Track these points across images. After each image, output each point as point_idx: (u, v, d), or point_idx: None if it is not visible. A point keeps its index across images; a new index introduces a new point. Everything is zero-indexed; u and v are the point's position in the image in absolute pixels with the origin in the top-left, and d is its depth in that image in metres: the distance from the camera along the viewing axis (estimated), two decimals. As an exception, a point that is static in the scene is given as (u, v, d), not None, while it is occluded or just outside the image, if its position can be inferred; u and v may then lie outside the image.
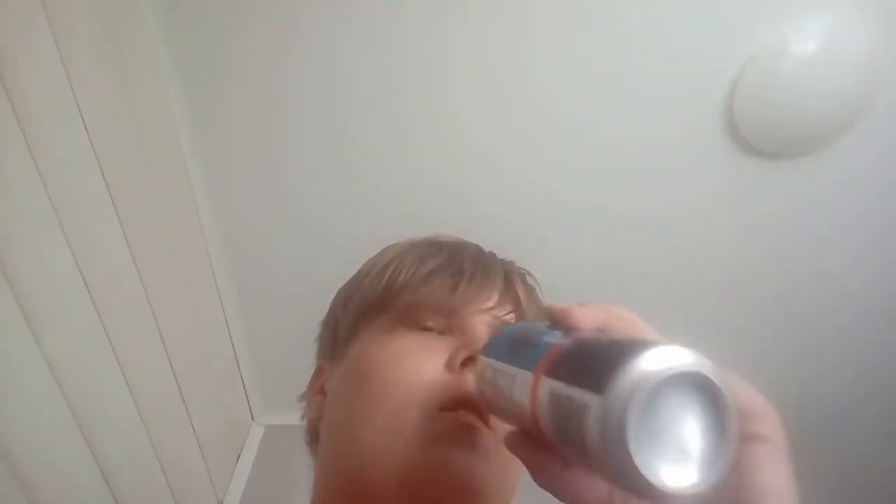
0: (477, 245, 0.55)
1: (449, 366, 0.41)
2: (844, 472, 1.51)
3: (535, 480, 0.28)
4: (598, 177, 1.16)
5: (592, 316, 0.28)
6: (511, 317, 0.46)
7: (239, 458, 1.47)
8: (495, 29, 1.01)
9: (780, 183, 1.14)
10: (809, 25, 0.97)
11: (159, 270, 1.03)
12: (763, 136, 1.07)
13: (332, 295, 1.38)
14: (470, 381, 0.38)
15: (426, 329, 0.44)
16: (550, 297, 1.42)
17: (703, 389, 0.22)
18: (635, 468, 0.21)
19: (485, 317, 0.45)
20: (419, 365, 0.41)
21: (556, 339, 0.28)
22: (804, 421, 1.57)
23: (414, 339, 0.43)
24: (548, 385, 0.26)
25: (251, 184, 1.20)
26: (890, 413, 1.42)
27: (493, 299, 0.46)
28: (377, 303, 0.47)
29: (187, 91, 1.08)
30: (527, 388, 0.27)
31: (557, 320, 0.29)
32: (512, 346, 0.31)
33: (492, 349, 0.34)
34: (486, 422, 0.39)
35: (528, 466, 0.28)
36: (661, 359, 0.22)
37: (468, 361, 0.40)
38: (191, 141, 1.13)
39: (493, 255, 0.54)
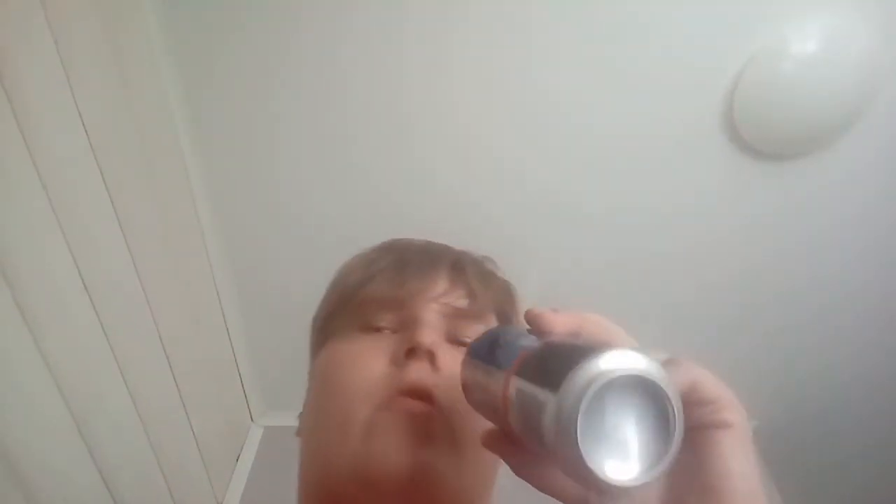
0: (426, 240, 0.56)
1: (393, 360, 0.41)
2: (843, 471, 1.51)
3: (516, 474, 0.29)
4: (597, 177, 1.16)
5: (564, 321, 0.30)
6: (464, 302, 0.46)
7: (238, 459, 1.47)
8: (495, 29, 1.01)
9: (779, 183, 1.14)
10: (809, 26, 0.97)
11: (159, 271, 1.03)
12: (763, 137, 1.07)
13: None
14: (414, 370, 0.39)
15: (378, 329, 0.45)
16: (550, 296, 1.41)
17: (652, 391, 0.24)
18: (583, 462, 0.22)
19: (434, 305, 0.44)
20: (366, 364, 0.42)
21: (529, 342, 0.30)
22: (803, 420, 1.58)
23: (365, 340, 0.44)
24: (516, 383, 0.28)
25: (251, 184, 1.19)
26: (890, 412, 1.42)
27: (442, 286, 0.46)
28: (334, 312, 0.48)
29: (187, 91, 1.08)
30: (499, 385, 0.29)
31: (532, 325, 0.30)
32: (491, 348, 0.33)
33: (475, 350, 0.35)
34: (434, 405, 0.39)
35: (506, 462, 0.29)
36: (613, 362, 0.23)
37: (411, 353, 0.40)
38: (190, 141, 1.12)
39: (444, 245, 0.54)
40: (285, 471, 0.55)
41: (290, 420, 0.62)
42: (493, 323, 0.47)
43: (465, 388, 0.35)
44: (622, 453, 0.23)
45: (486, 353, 0.33)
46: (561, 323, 0.29)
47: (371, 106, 1.09)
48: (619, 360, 0.23)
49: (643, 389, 0.23)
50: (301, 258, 1.30)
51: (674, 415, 0.24)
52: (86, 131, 0.83)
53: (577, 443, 0.22)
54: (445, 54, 1.03)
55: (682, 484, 0.25)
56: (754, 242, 1.23)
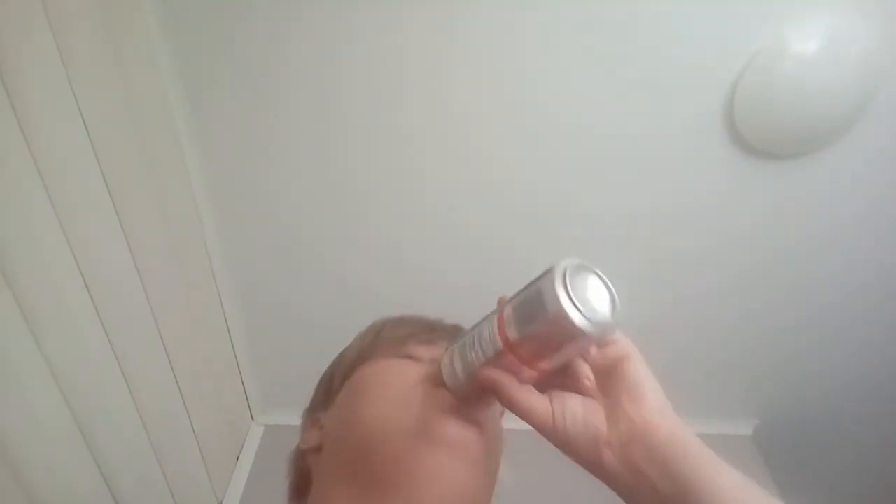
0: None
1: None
2: (843, 471, 1.51)
3: (500, 400, 0.39)
4: (598, 177, 1.16)
5: None
6: None
7: (238, 457, 1.47)
8: (494, 31, 1.01)
9: (780, 183, 1.14)
10: (810, 26, 0.97)
11: (159, 270, 1.03)
12: (763, 137, 1.07)
13: (331, 296, 1.39)
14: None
15: (409, 357, 0.50)
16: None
17: (599, 280, 0.38)
18: (564, 312, 0.34)
19: None
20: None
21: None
22: (803, 420, 1.58)
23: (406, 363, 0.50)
24: (509, 305, 0.38)
25: (251, 184, 1.20)
26: (890, 413, 1.42)
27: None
28: (367, 348, 0.53)
29: (187, 91, 1.08)
30: (493, 320, 0.39)
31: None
32: (470, 328, 0.42)
33: (454, 341, 0.43)
34: None
35: (495, 387, 0.38)
36: (572, 261, 0.37)
37: None
38: (191, 140, 1.13)
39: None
40: (285, 469, 0.56)
41: (291, 419, 0.62)
42: None
43: (448, 370, 0.42)
44: (585, 310, 0.34)
45: (466, 331, 0.43)
46: None
47: (371, 107, 1.09)
48: (575, 261, 0.37)
49: (593, 280, 0.37)
50: (301, 259, 1.30)
51: (611, 291, 0.38)
52: (87, 131, 0.83)
53: (559, 299, 0.34)
54: (445, 56, 1.03)
55: (616, 391, 0.38)
56: (754, 241, 1.23)
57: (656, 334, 1.44)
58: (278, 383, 1.50)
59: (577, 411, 0.38)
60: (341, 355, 0.56)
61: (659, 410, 0.36)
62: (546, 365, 0.38)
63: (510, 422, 0.46)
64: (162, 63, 1.03)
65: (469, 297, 1.41)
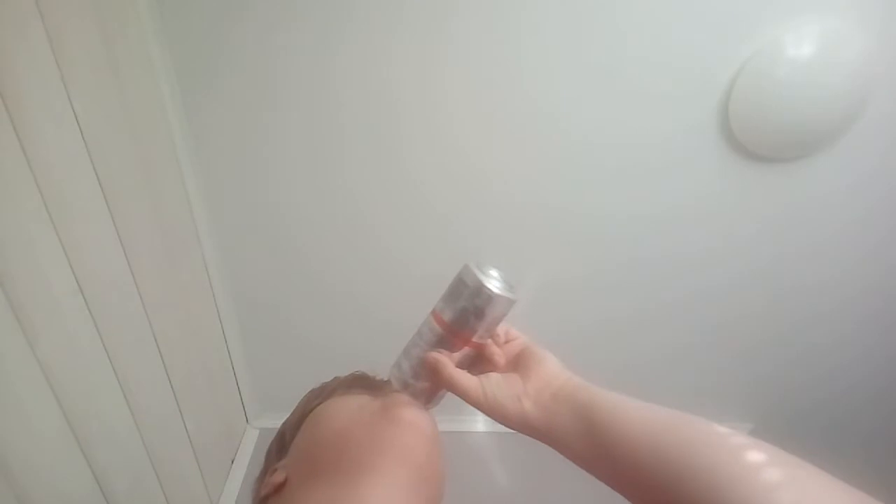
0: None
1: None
2: (840, 474, 1.51)
3: (440, 380, 0.47)
4: (594, 183, 1.17)
5: None
6: None
7: (233, 461, 1.46)
8: (488, 37, 1.01)
9: (776, 187, 1.15)
10: (805, 30, 0.97)
11: (154, 273, 1.03)
12: (759, 141, 1.08)
13: (326, 300, 1.39)
14: None
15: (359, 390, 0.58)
16: (548, 301, 1.43)
17: (499, 271, 0.49)
18: (485, 287, 0.47)
19: None
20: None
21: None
22: (801, 424, 1.59)
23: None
24: (440, 301, 0.49)
25: (246, 187, 1.19)
26: (887, 417, 1.42)
27: None
28: (315, 400, 0.59)
29: (183, 94, 1.08)
30: (430, 317, 0.49)
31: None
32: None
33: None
34: None
35: (437, 366, 0.47)
36: (479, 260, 0.50)
37: None
38: (186, 143, 1.12)
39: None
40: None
41: (285, 423, 0.62)
42: None
43: (405, 358, 0.51)
44: (497, 284, 0.48)
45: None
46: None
47: (366, 109, 1.09)
48: (481, 260, 0.49)
49: (495, 270, 0.49)
50: (296, 262, 1.30)
51: (509, 279, 0.49)
52: (81, 133, 0.83)
53: (481, 280, 0.47)
54: (439, 61, 1.04)
55: (525, 365, 0.48)
56: (750, 245, 1.23)
57: (653, 337, 1.45)
58: (273, 387, 1.50)
59: (500, 381, 0.47)
60: (286, 421, 0.61)
61: (559, 368, 0.48)
62: (475, 337, 0.48)
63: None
64: (158, 66, 1.03)
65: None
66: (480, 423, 1.44)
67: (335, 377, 0.63)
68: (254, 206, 1.22)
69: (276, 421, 1.66)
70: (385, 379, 0.59)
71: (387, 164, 1.15)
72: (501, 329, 0.51)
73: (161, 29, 1.01)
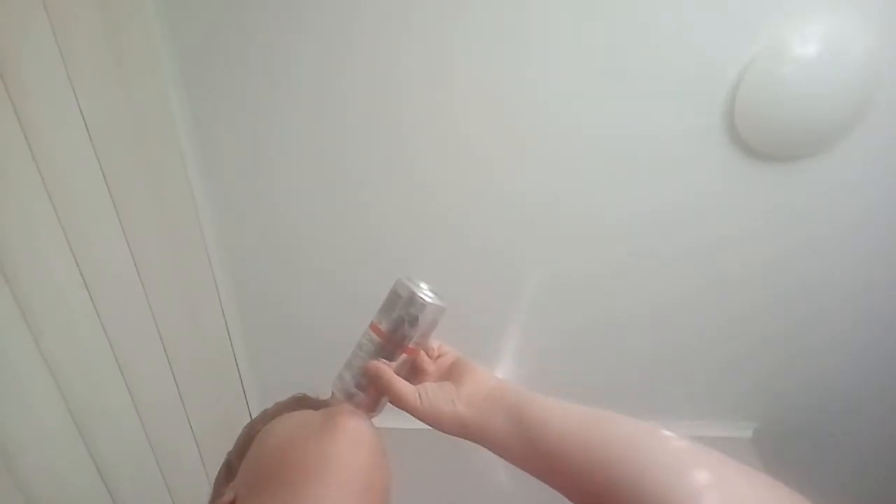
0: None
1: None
2: (843, 474, 1.51)
3: (380, 387, 0.51)
4: (598, 181, 1.16)
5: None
6: None
7: (237, 456, 1.47)
8: (494, 35, 1.01)
9: (780, 185, 1.14)
10: (809, 28, 0.97)
11: (158, 269, 1.03)
12: (763, 139, 1.07)
13: (330, 296, 1.39)
14: None
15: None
16: (551, 299, 1.42)
17: (428, 284, 0.53)
18: (417, 295, 0.51)
19: None
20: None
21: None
22: (802, 423, 1.58)
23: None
24: (377, 314, 0.53)
25: (250, 183, 1.20)
26: (890, 417, 1.42)
27: None
28: (257, 425, 0.61)
29: (188, 92, 1.08)
30: (368, 330, 0.53)
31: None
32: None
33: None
34: None
35: (377, 373, 0.51)
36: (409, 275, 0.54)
37: None
38: (191, 140, 1.13)
39: None
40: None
41: (289, 418, 0.63)
42: None
43: (346, 370, 0.53)
44: (427, 294, 0.52)
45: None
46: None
47: (370, 107, 1.09)
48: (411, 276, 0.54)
49: (424, 283, 0.53)
50: (299, 258, 1.30)
51: (438, 294, 0.53)
52: (87, 129, 0.83)
53: (412, 289, 0.51)
54: (445, 58, 1.03)
55: (457, 374, 0.51)
56: (754, 244, 1.23)
57: (656, 336, 1.45)
58: (276, 380, 1.50)
59: (435, 387, 0.50)
60: (231, 451, 0.63)
61: (489, 375, 0.51)
62: (411, 343, 0.52)
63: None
64: (163, 64, 1.03)
65: (468, 296, 1.42)
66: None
67: (275, 402, 0.65)
68: (257, 201, 1.22)
69: (278, 417, 1.64)
70: (326, 397, 0.61)
71: (391, 163, 1.15)
72: (435, 344, 0.55)
73: (166, 23, 1.01)
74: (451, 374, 0.52)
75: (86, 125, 0.83)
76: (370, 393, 0.52)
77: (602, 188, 1.17)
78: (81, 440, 0.85)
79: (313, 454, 0.47)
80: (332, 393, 0.54)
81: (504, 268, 1.29)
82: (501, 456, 0.46)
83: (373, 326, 0.52)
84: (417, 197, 1.19)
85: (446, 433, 0.48)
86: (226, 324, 1.38)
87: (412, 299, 0.51)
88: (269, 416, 0.59)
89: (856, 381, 1.40)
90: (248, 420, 0.64)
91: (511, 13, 0.99)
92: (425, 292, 0.51)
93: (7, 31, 0.68)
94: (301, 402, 0.60)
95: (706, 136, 1.09)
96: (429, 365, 0.54)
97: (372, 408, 0.53)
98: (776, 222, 1.19)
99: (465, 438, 0.48)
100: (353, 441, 0.49)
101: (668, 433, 0.40)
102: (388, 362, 0.51)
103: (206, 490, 1.29)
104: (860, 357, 1.37)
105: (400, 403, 0.49)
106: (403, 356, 0.52)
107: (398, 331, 0.51)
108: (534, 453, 0.44)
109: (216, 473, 0.61)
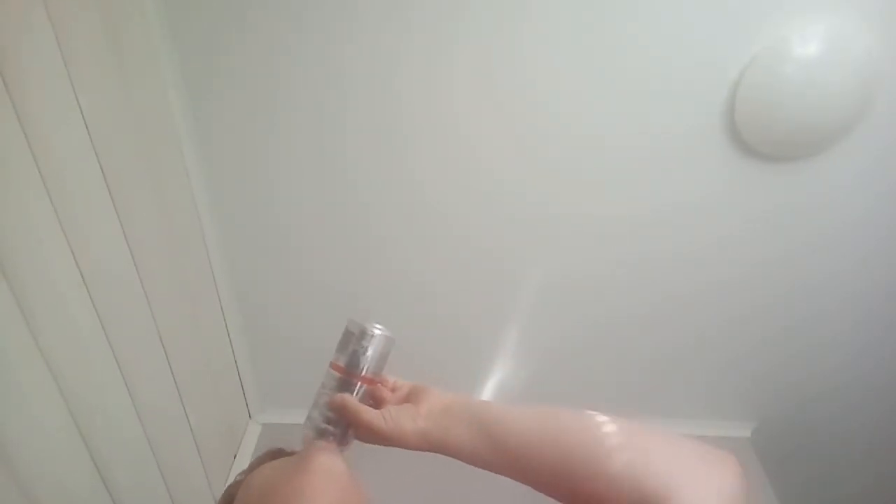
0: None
1: None
2: (841, 472, 1.51)
3: (347, 416, 0.54)
4: (598, 181, 1.16)
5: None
6: None
7: (236, 456, 1.47)
8: (493, 35, 1.01)
9: (780, 185, 1.14)
10: (810, 28, 0.97)
11: (158, 269, 1.03)
12: (764, 139, 1.07)
13: (329, 295, 1.40)
14: None
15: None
16: (551, 299, 1.42)
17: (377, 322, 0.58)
18: (367, 329, 0.56)
19: None
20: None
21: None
22: (802, 422, 1.58)
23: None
24: (335, 355, 0.57)
25: (250, 184, 1.20)
26: (888, 415, 1.42)
27: None
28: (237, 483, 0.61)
29: (188, 92, 1.08)
30: (329, 369, 0.57)
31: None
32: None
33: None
34: None
35: (344, 404, 0.54)
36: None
37: None
38: (191, 138, 1.13)
39: None
40: (282, 468, 0.57)
41: (288, 417, 0.63)
42: None
43: (314, 409, 0.57)
44: (376, 328, 0.57)
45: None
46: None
47: (370, 108, 1.09)
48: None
49: (372, 320, 0.57)
50: (299, 258, 1.30)
51: (386, 332, 0.57)
52: (87, 128, 0.83)
53: (363, 324, 0.57)
54: (445, 60, 1.03)
55: (416, 397, 0.55)
56: (755, 244, 1.23)
57: (655, 336, 1.45)
58: (276, 382, 1.50)
59: (398, 409, 0.54)
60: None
61: (444, 392, 0.55)
62: (369, 373, 0.57)
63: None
64: (163, 64, 1.03)
65: (469, 296, 1.41)
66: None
67: (249, 463, 0.66)
68: (258, 203, 1.22)
69: (278, 416, 1.67)
70: (301, 444, 0.63)
71: (392, 166, 1.15)
72: (391, 378, 0.60)
73: (166, 23, 1.01)
74: (410, 398, 0.56)
75: (86, 124, 0.83)
76: (339, 426, 0.55)
77: (602, 188, 1.17)
78: (81, 440, 0.85)
79: (290, 494, 0.49)
80: (304, 434, 0.57)
81: (504, 268, 1.29)
82: (469, 462, 0.50)
83: (333, 365, 0.57)
84: (417, 196, 1.19)
85: (413, 450, 0.52)
86: (226, 325, 1.38)
87: (363, 333, 0.56)
88: (247, 470, 0.61)
89: (856, 381, 1.40)
90: (248, 419, 0.64)
91: (511, 13, 0.99)
92: (374, 326, 0.57)
93: (7, 30, 0.68)
94: (276, 454, 0.62)
95: (706, 136, 1.09)
96: (387, 394, 0.58)
97: (343, 441, 0.56)
98: (776, 222, 1.19)
99: (432, 451, 0.52)
100: (324, 475, 0.50)
101: (603, 418, 0.47)
102: (350, 395, 0.56)
103: (205, 490, 1.30)
104: (860, 357, 1.37)
105: (368, 427, 0.53)
106: (364, 387, 0.57)
107: (355, 364, 0.56)
108: (499, 451, 0.49)
109: None
